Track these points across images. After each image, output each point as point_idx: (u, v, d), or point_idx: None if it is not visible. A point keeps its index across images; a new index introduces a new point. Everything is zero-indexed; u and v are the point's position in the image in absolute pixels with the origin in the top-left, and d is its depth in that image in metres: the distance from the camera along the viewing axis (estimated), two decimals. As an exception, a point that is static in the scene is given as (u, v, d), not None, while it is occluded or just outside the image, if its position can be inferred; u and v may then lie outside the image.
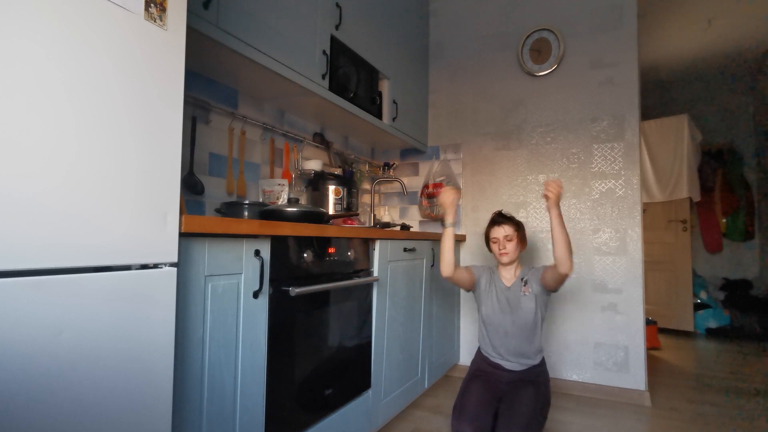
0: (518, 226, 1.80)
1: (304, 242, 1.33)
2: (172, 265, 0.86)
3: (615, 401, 2.24)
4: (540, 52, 2.54)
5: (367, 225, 2.67)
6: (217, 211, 1.64)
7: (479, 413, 1.55)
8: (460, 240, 2.66)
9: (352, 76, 2.06)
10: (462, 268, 1.84)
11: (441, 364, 2.38)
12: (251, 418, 1.12)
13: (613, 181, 2.35)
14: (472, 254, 2.69)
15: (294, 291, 1.23)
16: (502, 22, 2.68)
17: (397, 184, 2.94)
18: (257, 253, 1.13)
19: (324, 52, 1.83)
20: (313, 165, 2.13)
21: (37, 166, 0.66)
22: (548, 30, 2.51)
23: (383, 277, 1.76)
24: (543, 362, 1.77)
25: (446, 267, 1.80)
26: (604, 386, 2.30)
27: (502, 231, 1.77)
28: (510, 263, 1.80)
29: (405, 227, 2.40)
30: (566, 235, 1.60)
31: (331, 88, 1.90)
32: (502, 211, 1.86)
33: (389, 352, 1.82)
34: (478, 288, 1.84)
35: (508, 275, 1.81)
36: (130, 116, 0.79)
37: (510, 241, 1.76)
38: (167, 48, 0.86)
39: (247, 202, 1.62)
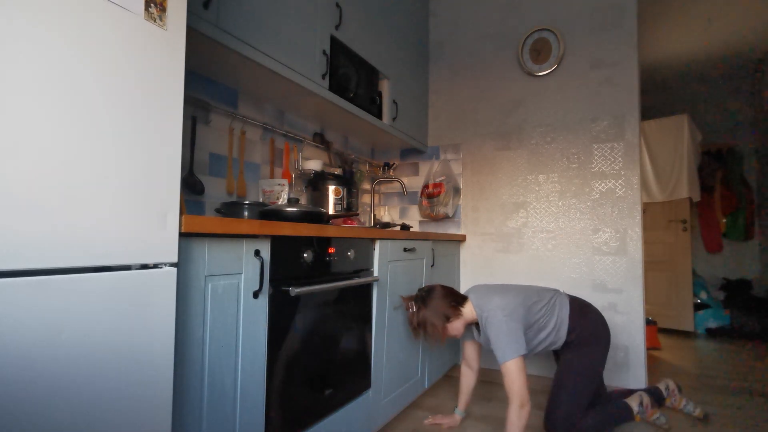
0: (426, 320, 1.71)
1: (304, 242, 1.33)
2: (172, 265, 0.86)
3: (615, 401, 2.24)
4: (540, 52, 2.54)
5: (367, 225, 2.67)
6: (217, 211, 1.64)
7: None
8: (460, 240, 2.66)
9: (352, 76, 2.06)
10: (468, 349, 1.93)
11: (441, 364, 2.38)
12: (251, 418, 1.12)
13: (613, 181, 2.35)
14: (472, 254, 2.69)
15: (294, 291, 1.23)
16: (502, 22, 2.68)
17: (397, 184, 2.94)
18: (257, 253, 1.13)
19: (324, 52, 1.83)
20: (313, 165, 2.13)
21: (36, 165, 0.66)
22: (548, 30, 2.51)
23: (383, 277, 1.76)
24: (573, 337, 1.76)
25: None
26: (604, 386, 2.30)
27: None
28: (461, 333, 1.79)
29: (405, 227, 2.40)
30: None
31: (331, 88, 1.90)
32: (411, 319, 1.77)
33: (389, 352, 1.82)
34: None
35: (472, 332, 1.86)
36: (130, 116, 0.79)
37: (441, 336, 1.73)
38: (167, 48, 0.86)
39: (247, 202, 1.62)
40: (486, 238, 2.66)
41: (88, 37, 0.73)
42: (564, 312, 1.78)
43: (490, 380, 2.51)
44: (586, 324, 1.78)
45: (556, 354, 1.93)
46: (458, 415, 1.95)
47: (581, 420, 1.71)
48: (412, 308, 1.76)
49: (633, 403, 1.86)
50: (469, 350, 1.93)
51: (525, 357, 1.62)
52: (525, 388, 1.56)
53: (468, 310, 1.75)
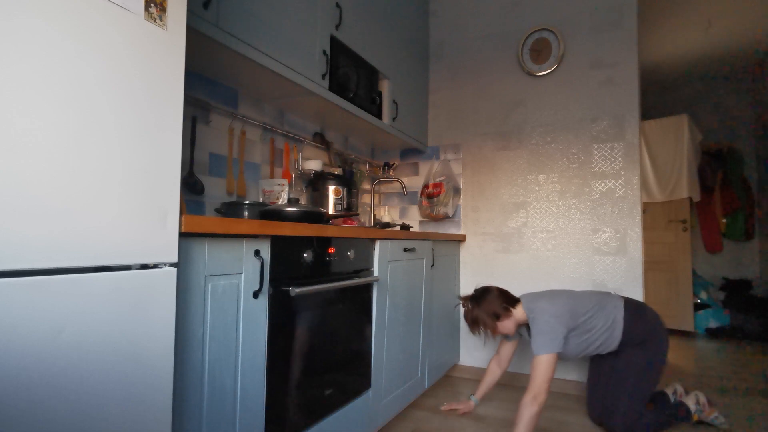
0: (478, 317, 1.85)
1: (304, 242, 1.33)
2: (172, 265, 0.86)
3: (615, 401, 2.24)
4: (540, 52, 2.54)
5: (367, 225, 2.67)
6: (217, 211, 1.64)
7: (590, 398, 1.98)
8: (460, 240, 2.66)
9: (352, 76, 2.06)
10: (504, 348, 2.06)
11: (441, 364, 2.38)
12: (251, 418, 1.12)
13: (613, 181, 2.35)
14: (472, 254, 2.69)
15: (294, 291, 1.23)
16: (502, 22, 2.68)
17: (397, 184, 2.94)
18: (257, 253, 1.13)
19: (324, 52, 1.82)
20: (313, 165, 2.13)
21: (37, 166, 0.66)
22: (548, 30, 2.51)
23: (383, 277, 1.76)
24: (630, 337, 1.80)
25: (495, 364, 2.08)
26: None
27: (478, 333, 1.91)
28: (513, 332, 1.89)
29: (405, 227, 2.40)
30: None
31: (331, 88, 1.90)
32: (466, 316, 1.91)
33: (389, 352, 1.82)
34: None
35: (522, 333, 1.97)
36: (131, 116, 0.79)
37: (493, 332, 1.87)
38: (167, 48, 0.86)
39: (247, 202, 1.62)
40: (486, 238, 2.66)
41: (88, 37, 0.73)
42: (618, 313, 1.82)
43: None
44: (644, 323, 1.81)
45: (598, 355, 1.98)
46: (473, 402, 2.07)
47: (640, 419, 1.74)
48: (468, 306, 1.90)
49: (690, 402, 1.87)
50: (505, 349, 2.06)
51: (570, 360, 1.79)
52: (545, 384, 1.64)
53: (519, 312, 1.85)
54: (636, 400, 1.76)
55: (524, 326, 1.91)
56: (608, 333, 1.80)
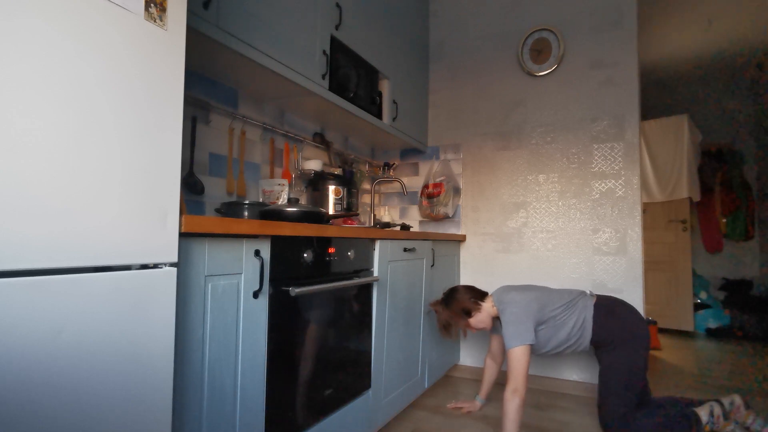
0: (450, 318, 1.90)
1: (304, 242, 1.33)
2: (172, 265, 0.86)
3: (615, 401, 2.24)
4: (540, 52, 2.54)
5: (367, 225, 2.67)
6: (217, 211, 1.64)
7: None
8: (460, 240, 2.66)
9: (352, 76, 2.06)
10: (494, 343, 2.10)
11: (441, 364, 2.38)
12: (251, 418, 1.12)
13: (613, 181, 2.35)
14: (472, 254, 2.68)
15: (294, 291, 1.23)
16: (502, 22, 2.68)
17: (397, 184, 2.94)
18: (257, 253, 1.13)
19: (324, 52, 1.82)
20: (313, 165, 2.13)
21: (37, 166, 0.66)
22: (548, 30, 2.51)
23: (383, 277, 1.76)
24: (605, 338, 1.79)
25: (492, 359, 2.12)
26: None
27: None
28: (490, 325, 1.93)
29: (405, 227, 2.40)
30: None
31: (331, 88, 1.90)
32: (438, 320, 1.96)
33: (389, 352, 1.82)
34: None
35: (497, 327, 1.99)
36: (130, 116, 0.79)
37: (466, 329, 1.92)
38: (167, 48, 0.86)
39: (247, 202, 1.62)
40: (486, 238, 2.66)
41: (88, 37, 0.73)
42: (588, 313, 1.81)
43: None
44: (617, 324, 1.79)
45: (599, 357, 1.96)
46: (479, 401, 2.10)
47: (636, 420, 1.70)
48: (438, 311, 1.93)
49: (702, 412, 1.75)
50: (495, 344, 2.09)
51: (542, 354, 1.80)
52: (522, 376, 1.66)
53: (488, 305, 1.89)
54: (623, 402, 1.72)
55: (498, 319, 1.92)
56: (580, 332, 1.81)
